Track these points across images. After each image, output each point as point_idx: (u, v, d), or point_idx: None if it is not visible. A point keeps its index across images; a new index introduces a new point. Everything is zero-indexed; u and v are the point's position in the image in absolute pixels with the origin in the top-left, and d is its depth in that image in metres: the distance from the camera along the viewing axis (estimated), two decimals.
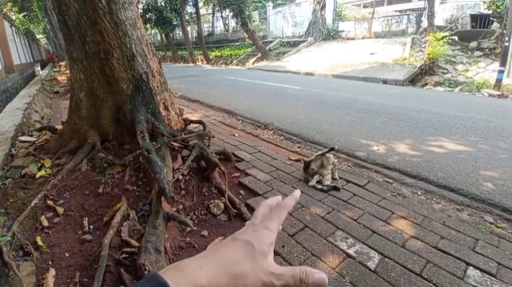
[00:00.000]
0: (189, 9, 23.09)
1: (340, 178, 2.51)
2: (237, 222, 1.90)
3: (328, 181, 2.35)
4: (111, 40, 2.22)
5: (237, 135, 3.72)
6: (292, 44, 17.00)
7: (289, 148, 3.30)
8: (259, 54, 16.15)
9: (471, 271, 1.48)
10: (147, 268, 1.26)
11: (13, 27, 14.60)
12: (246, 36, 18.22)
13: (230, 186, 2.26)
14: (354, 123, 4.30)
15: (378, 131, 3.95)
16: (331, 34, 16.28)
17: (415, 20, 13.70)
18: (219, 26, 26.03)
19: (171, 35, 24.23)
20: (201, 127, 3.07)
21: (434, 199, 2.28)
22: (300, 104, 5.63)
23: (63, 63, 17.54)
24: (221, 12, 23.81)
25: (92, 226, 1.75)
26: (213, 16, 25.73)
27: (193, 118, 3.72)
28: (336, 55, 13.08)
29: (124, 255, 1.48)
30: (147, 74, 2.43)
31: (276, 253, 1.59)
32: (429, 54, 9.27)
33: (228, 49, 20.36)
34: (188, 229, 1.73)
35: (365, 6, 21.23)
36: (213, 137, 3.15)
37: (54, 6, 2.34)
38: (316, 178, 2.36)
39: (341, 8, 17.11)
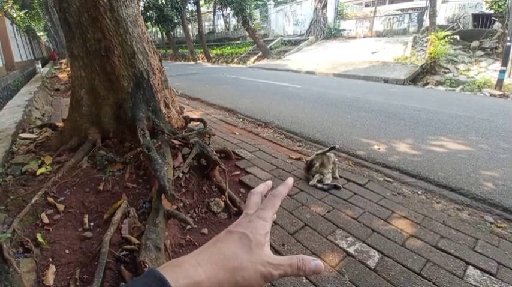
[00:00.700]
0: (190, 7, 22.99)
1: (340, 176, 2.51)
2: None
3: (328, 179, 2.35)
4: (112, 37, 2.22)
5: (237, 133, 3.72)
6: (293, 43, 16.93)
7: (289, 147, 3.30)
8: (260, 53, 16.12)
9: (471, 270, 1.48)
10: (147, 265, 1.26)
11: (14, 25, 14.59)
12: (247, 34, 18.19)
13: (230, 184, 2.27)
14: (355, 122, 4.29)
15: (379, 130, 3.95)
16: (333, 33, 16.21)
17: (417, 19, 13.63)
18: (220, 24, 25.95)
19: (172, 33, 24.19)
20: (201, 125, 3.07)
21: (435, 198, 2.28)
22: (301, 103, 5.62)
23: (63, 60, 17.57)
24: (222, 11, 23.70)
25: (92, 223, 1.76)
26: (214, 14, 25.65)
27: (194, 116, 3.72)
28: (337, 54, 13.04)
29: (124, 252, 1.48)
30: (148, 71, 2.43)
31: (276, 251, 1.59)
32: (431, 53, 9.24)
33: (229, 47, 20.31)
34: (188, 226, 1.74)
35: (366, 5, 21.16)
36: (213, 135, 3.15)
37: (55, 3, 2.34)
38: (317, 177, 2.36)
39: (342, 7, 17.04)
